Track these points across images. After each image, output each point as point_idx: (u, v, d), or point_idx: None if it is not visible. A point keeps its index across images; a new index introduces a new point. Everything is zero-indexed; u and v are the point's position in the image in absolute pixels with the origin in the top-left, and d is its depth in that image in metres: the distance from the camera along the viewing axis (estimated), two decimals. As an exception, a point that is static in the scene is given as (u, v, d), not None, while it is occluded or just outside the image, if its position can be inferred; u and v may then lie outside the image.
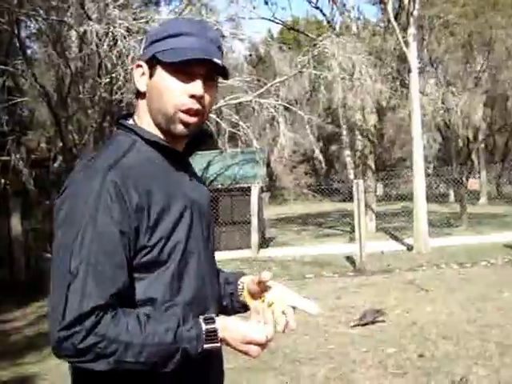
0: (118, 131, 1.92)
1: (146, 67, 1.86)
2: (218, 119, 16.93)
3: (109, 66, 13.14)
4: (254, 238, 18.18)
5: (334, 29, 24.63)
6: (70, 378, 1.84)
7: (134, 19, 13.32)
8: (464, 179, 24.15)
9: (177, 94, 1.80)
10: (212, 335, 1.70)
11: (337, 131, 36.62)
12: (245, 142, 18.70)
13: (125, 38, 12.54)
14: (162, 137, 1.87)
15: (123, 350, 1.61)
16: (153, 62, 1.83)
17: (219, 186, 19.33)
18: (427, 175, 21.98)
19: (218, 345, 1.72)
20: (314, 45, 17.87)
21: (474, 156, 30.40)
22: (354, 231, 14.57)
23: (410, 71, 17.43)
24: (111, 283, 1.65)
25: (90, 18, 12.97)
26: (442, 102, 21.83)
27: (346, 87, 18.21)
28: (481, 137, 30.63)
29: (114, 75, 13.02)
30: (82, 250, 1.64)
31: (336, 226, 26.49)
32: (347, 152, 28.87)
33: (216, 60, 1.81)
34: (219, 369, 2.00)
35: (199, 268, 1.86)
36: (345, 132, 28.71)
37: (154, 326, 1.65)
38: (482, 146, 37.53)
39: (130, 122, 1.91)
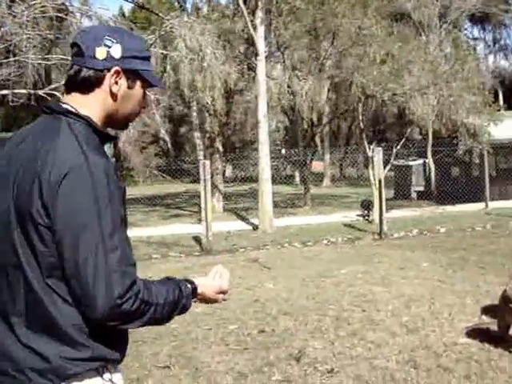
0: (61, 116, 2.04)
1: (122, 74, 2.10)
2: (62, 97, 16.39)
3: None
4: (101, 218, 17.90)
5: (185, 10, 24.56)
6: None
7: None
8: (308, 161, 24.97)
9: (139, 106, 2.20)
10: (195, 292, 2.16)
11: (187, 112, 36.60)
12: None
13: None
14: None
15: (153, 310, 1.96)
16: (132, 75, 2.12)
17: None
18: (275, 157, 22.50)
19: (196, 299, 2.19)
20: (162, 24, 17.71)
21: (318, 139, 31.44)
22: (201, 212, 14.71)
23: (257, 55, 17.75)
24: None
25: None
26: (288, 86, 22.36)
27: (193, 68, 18.20)
28: (325, 120, 31.69)
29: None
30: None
31: (184, 206, 26.62)
32: (197, 134, 28.92)
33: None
34: None
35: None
36: (194, 113, 28.70)
37: (165, 288, 2.03)
38: (327, 129, 38.90)
39: (68, 107, 2.06)
